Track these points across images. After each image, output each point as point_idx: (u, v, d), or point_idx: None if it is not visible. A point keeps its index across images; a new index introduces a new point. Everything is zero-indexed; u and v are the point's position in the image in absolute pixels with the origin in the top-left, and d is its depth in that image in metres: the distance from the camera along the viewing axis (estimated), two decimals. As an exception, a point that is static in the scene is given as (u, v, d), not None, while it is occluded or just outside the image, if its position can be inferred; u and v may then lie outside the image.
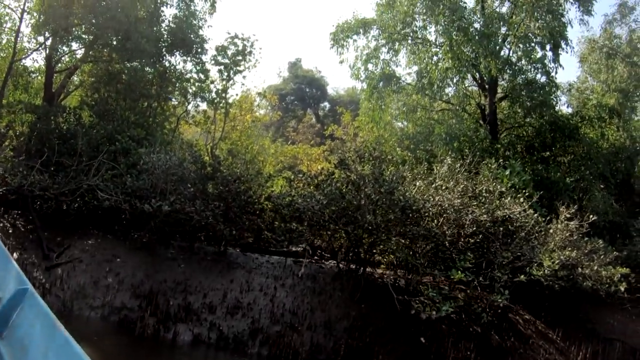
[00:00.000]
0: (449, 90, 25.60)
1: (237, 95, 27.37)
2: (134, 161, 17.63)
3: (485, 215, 15.49)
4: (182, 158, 17.51)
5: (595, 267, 16.70)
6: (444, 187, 15.71)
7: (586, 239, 17.72)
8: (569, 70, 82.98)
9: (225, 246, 16.81)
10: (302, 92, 62.89)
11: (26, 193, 16.50)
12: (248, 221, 16.83)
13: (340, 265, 16.56)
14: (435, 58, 23.74)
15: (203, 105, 26.89)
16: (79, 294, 14.20)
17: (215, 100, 25.20)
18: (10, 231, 16.24)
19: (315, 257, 17.71)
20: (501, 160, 18.92)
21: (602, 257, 17.34)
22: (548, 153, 24.58)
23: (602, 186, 23.76)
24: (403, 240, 14.43)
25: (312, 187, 15.53)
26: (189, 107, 26.43)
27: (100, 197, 15.76)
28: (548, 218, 17.62)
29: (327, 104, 64.36)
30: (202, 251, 17.10)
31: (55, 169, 17.78)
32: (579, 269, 16.64)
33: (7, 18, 24.17)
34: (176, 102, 26.16)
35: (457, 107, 24.34)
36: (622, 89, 27.50)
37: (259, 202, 17.45)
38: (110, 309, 14.08)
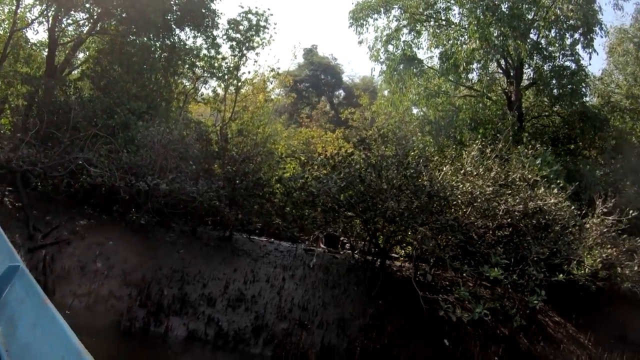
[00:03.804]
0: (473, 76, 24.22)
1: (249, 73, 25.99)
2: (132, 136, 16.17)
3: (519, 206, 14.02)
4: (184, 134, 16.05)
5: (635, 267, 15.28)
6: (474, 174, 14.22)
7: (624, 236, 16.29)
8: (594, 62, 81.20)
9: (231, 231, 15.35)
10: (317, 79, 61.77)
11: (15, 168, 15.09)
12: (256, 205, 15.39)
13: (356, 256, 15.16)
14: (460, 39, 22.26)
15: (213, 83, 25.61)
16: (63, 280, 12.66)
17: (226, 77, 23.82)
18: (-3, 207, 14.83)
19: (329, 247, 16.32)
20: (528, 150, 17.53)
21: (642, 256, 15.95)
22: (574, 145, 23.21)
23: (634, 181, 22.29)
24: (428, 231, 12.94)
25: (327, 169, 14.03)
26: (198, 84, 25.07)
27: (93, 172, 14.28)
28: (583, 212, 16.17)
29: (342, 92, 63.08)
30: (206, 236, 15.68)
31: (48, 142, 16.36)
32: (618, 269, 15.20)
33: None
34: (185, 80, 24.79)
35: (482, 92, 22.90)
36: (652, 82, 26.01)
37: (269, 185, 16.00)
38: (96, 297, 12.52)
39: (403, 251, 16.39)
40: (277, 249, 15.70)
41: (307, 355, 12.17)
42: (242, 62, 24.50)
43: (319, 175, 14.12)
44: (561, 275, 13.75)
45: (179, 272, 13.76)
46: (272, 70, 27.83)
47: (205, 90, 26.03)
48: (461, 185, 13.68)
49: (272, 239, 16.61)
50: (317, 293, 13.88)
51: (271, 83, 28.38)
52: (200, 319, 12.57)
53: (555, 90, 23.14)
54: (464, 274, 13.35)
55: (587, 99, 25.08)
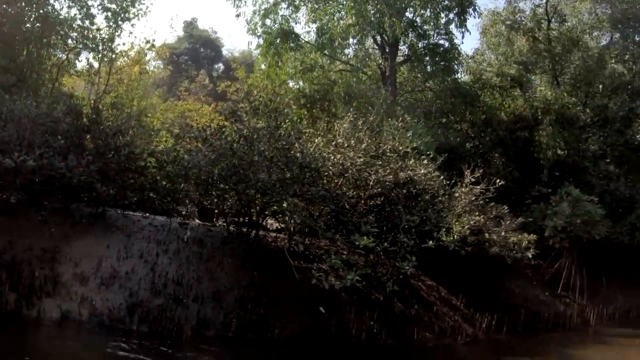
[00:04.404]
0: (349, 51, 24.63)
1: (124, 44, 25.20)
2: None
3: (389, 176, 14.44)
4: (54, 107, 15.26)
5: (503, 233, 16.19)
6: (345, 145, 14.47)
7: (492, 204, 17.19)
8: (467, 42, 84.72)
9: (104, 207, 14.83)
10: (196, 52, 61.94)
11: None
12: (129, 179, 14.93)
13: (230, 228, 15.09)
14: (337, 15, 22.51)
15: (87, 55, 24.61)
16: None
17: (101, 49, 22.92)
18: None
19: (204, 220, 16.15)
20: (401, 122, 18.08)
21: (508, 223, 16.87)
22: (446, 119, 24.19)
23: (501, 153, 23.59)
24: (300, 202, 13.06)
25: (200, 142, 13.82)
26: (72, 56, 23.92)
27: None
28: (452, 182, 16.91)
29: (221, 65, 63.32)
30: (78, 213, 15.03)
31: None
32: (486, 235, 16.03)
33: None
34: (59, 51, 23.58)
35: (357, 67, 23.32)
36: (522, 62, 27.39)
37: (142, 159, 15.54)
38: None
39: (277, 223, 16.48)
40: (151, 224, 15.32)
41: (183, 330, 12.03)
42: (117, 34, 23.87)
43: (191, 148, 13.88)
44: (431, 242, 14.35)
45: (50, 251, 13.13)
46: (148, 42, 27.11)
47: (80, 63, 24.96)
48: (333, 157, 13.89)
49: (147, 214, 16.16)
50: (192, 267, 13.70)
51: (146, 55, 27.67)
52: (73, 299, 12.10)
53: (428, 67, 23.93)
54: (338, 243, 13.60)
55: (460, 76, 26.19)
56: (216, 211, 16.67)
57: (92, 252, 13.42)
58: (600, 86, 28.20)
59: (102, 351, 10.65)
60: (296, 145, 13.50)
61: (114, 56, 24.10)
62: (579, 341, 18.75)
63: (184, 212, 15.49)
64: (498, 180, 16.91)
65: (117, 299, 12.34)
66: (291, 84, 23.96)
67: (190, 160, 13.02)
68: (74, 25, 22.89)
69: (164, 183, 15.14)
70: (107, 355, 10.35)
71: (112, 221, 14.96)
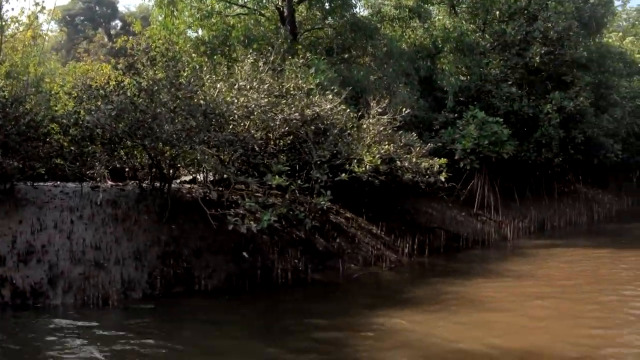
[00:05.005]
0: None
1: (13, 10, 23.60)
2: None
3: (295, 114, 14.38)
4: None
5: (414, 160, 16.48)
6: (248, 88, 14.27)
7: (400, 132, 17.46)
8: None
9: (12, 182, 14.10)
10: (91, 11, 59.44)
11: None
12: (33, 149, 14.22)
13: (144, 185, 14.74)
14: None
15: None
16: None
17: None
18: None
19: (117, 180, 15.71)
20: (303, 60, 17.95)
21: (418, 149, 17.19)
22: (348, 54, 24.21)
23: (405, 83, 23.87)
24: (209, 149, 12.85)
25: (100, 101, 13.25)
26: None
27: None
28: (360, 114, 17.02)
29: (118, 22, 61.72)
30: (-15, 192, 14.25)
31: None
32: (398, 162, 16.29)
33: None
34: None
35: (255, 10, 22.84)
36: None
37: (44, 126, 14.80)
38: None
39: (193, 173, 16.23)
40: (62, 192, 14.67)
41: (109, 295, 11.74)
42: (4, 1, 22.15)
43: (91, 108, 13.31)
44: (344, 174, 14.48)
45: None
46: (37, 4, 25.56)
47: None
48: (236, 100, 13.68)
49: (59, 182, 15.50)
50: (109, 229, 13.31)
51: (37, 19, 26.12)
52: (-7, 281, 11.57)
53: (327, 4, 23.68)
54: (252, 187, 13.53)
55: (358, 10, 26.10)
56: (127, 170, 16.21)
57: (5, 229, 12.75)
58: (497, 12, 28.89)
59: (31, 331, 10.21)
60: (199, 92, 13.18)
61: (3, 24, 22.56)
62: (499, 256, 19.60)
63: (95, 175, 14.94)
64: (404, 109, 17.12)
65: (37, 275, 11.84)
66: (191, 34, 23.22)
67: (92, 120, 12.49)
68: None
69: (71, 148, 14.52)
70: (34, 337, 9.90)
71: (22, 195, 14.24)
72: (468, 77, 26.61)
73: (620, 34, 39.09)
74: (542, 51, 26.21)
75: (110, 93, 13.23)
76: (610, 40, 34.52)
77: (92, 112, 12.78)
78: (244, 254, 13.78)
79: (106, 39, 53.98)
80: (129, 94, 13.11)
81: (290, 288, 13.78)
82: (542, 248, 20.31)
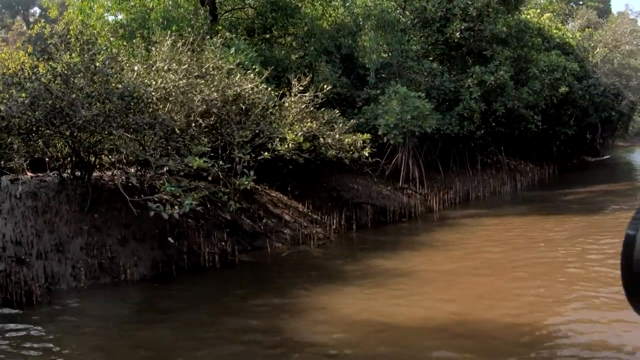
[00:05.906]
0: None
1: None
2: None
3: (215, 94, 14.22)
4: None
5: (337, 136, 16.59)
6: (166, 69, 13.97)
7: (322, 109, 17.53)
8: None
9: None
10: None
11: None
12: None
13: (64, 175, 14.28)
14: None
15: None
16: None
17: None
18: None
19: (38, 172, 15.16)
20: (222, 40, 17.73)
21: (341, 126, 17.32)
22: (270, 34, 24.07)
23: (327, 61, 23.95)
24: (128, 134, 12.54)
25: (13, 89, 12.65)
26: None
27: None
28: (282, 93, 16.99)
29: (37, 9, 59.57)
30: None
31: None
32: (321, 139, 16.38)
33: None
34: None
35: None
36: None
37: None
38: None
39: (114, 160, 15.83)
40: (-22, 187, 14.11)
41: (33, 290, 11.33)
42: None
43: (5, 97, 12.70)
44: (267, 153, 14.47)
45: None
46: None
47: None
48: (154, 82, 13.37)
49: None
50: (29, 223, 12.84)
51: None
52: None
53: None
54: (173, 170, 13.30)
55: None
56: (47, 160, 15.65)
57: None
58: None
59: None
60: (115, 75, 12.79)
61: None
62: (426, 227, 19.98)
63: (13, 167, 14.36)
64: (325, 86, 17.18)
65: (-45, 277, 11.38)
66: (110, 18, 22.45)
67: (5, 110, 11.91)
68: None
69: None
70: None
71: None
72: (389, 53, 26.81)
73: (539, 10, 40.15)
74: (462, 27, 26.76)
75: (24, 80, 12.68)
76: (529, 16, 35.38)
77: (5, 101, 12.23)
78: (170, 239, 13.60)
79: (24, 27, 51.83)
80: (43, 80, 12.59)
81: (218, 271, 13.70)
82: (468, 218, 20.85)
